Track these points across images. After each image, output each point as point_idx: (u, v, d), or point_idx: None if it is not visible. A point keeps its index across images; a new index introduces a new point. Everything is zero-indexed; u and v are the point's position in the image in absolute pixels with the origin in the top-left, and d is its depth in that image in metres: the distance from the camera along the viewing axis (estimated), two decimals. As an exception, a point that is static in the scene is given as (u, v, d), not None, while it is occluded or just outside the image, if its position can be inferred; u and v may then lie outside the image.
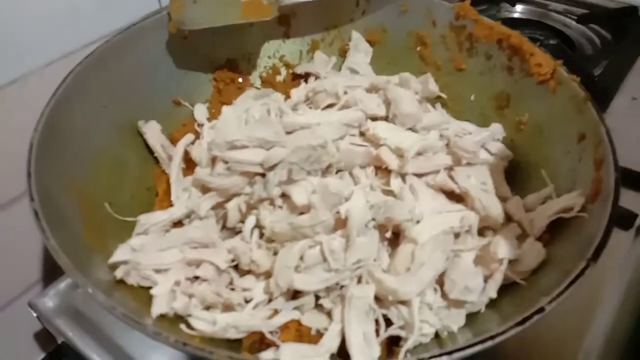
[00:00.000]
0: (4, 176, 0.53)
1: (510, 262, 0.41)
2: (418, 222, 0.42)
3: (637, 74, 0.78)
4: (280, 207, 0.44)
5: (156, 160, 0.53)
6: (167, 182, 0.51)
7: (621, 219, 0.57)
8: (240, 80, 0.61)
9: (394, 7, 0.59)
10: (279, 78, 0.62)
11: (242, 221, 0.45)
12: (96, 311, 0.51)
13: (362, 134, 0.50)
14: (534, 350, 0.46)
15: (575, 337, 0.48)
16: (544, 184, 0.46)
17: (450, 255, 0.41)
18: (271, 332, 0.39)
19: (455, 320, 0.39)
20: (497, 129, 0.52)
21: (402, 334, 0.38)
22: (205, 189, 0.48)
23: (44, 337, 0.65)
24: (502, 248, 0.40)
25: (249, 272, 0.43)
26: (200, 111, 0.57)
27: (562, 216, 0.42)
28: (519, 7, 0.94)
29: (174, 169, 0.51)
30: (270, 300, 0.41)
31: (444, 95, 0.56)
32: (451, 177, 0.46)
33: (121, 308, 0.33)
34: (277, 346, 0.38)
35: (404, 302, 0.39)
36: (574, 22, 0.89)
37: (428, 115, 0.51)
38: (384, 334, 0.38)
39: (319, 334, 0.39)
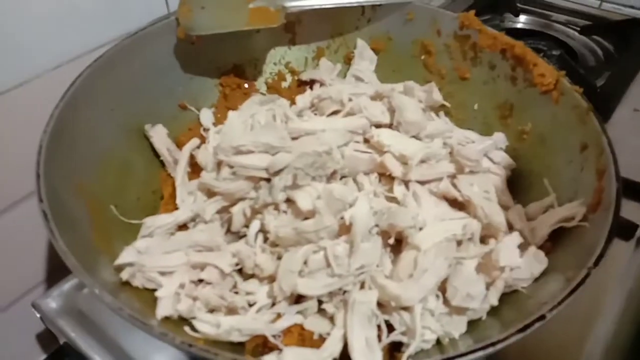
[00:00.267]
0: (10, 178, 0.53)
1: (512, 270, 0.41)
2: (421, 229, 0.43)
3: (639, 85, 0.79)
4: (285, 212, 0.45)
5: (162, 163, 0.54)
6: (173, 185, 0.52)
7: (622, 229, 0.57)
8: (246, 85, 0.61)
9: (399, 16, 0.60)
10: (285, 84, 0.63)
11: (247, 225, 0.46)
12: (99, 312, 0.52)
13: (366, 141, 0.50)
14: (535, 357, 0.46)
15: (576, 345, 0.48)
16: (545, 192, 0.47)
17: (452, 263, 0.41)
18: (274, 336, 0.39)
19: (457, 327, 0.39)
20: (500, 138, 0.52)
21: (404, 339, 0.39)
22: (210, 193, 0.49)
23: (46, 338, 0.65)
24: (504, 256, 0.40)
25: (252, 276, 0.44)
26: (206, 116, 0.57)
27: (563, 225, 0.42)
28: (522, 18, 0.95)
29: (180, 172, 0.52)
30: (273, 304, 0.42)
31: (447, 104, 0.57)
32: (454, 185, 0.47)
33: (128, 309, 0.34)
34: (280, 350, 0.38)
35: (406, 308, 0.39)
36: (576, 33, 0.89)
37: (432, 123, 0.52)
38: (386, 340, 0.39)
39: (322, 339, 0.40)
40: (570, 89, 0.49)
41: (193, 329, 0.39)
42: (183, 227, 0.48)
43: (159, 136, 0.53)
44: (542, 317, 0.33)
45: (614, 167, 0.42)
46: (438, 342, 0.39)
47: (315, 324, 0.41)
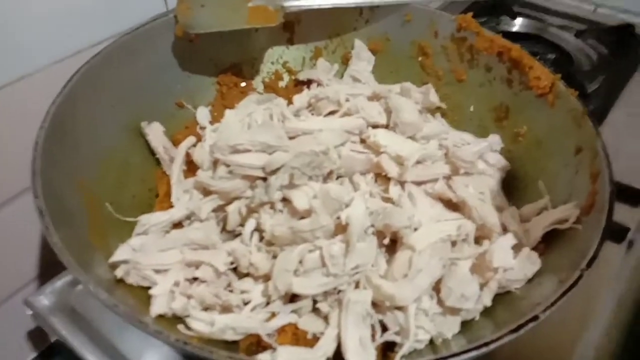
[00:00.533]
0: (5, 174, 0.53)
1: (506, 271, 0.41)
2: (416, 229, 0.43)
3: (633, 89, 0.80)
4: (281, 211, 0.45)
5: (158, 161, 0.54)
6: (168, 183, 0.52)
7: (614, 232, 0.58)
8: (243, 84, 0.61)
9: (397, 17, 0.60)
10: (282, 84, 0.63)
11: (242, 224, 0.46)
12: (92, 310, 0.51)
13: (362, 141, 0.51)
14: (527, 359, 0.46)
15: (568, 346, 0.49)
16: (540, 195, 0.47)
17: (447, 263, 0.42)
18: (268, 335, 0.39)
19: (451, 327, 0.39)
20: (495, 140, 0.53)
21: (398, 339, 0.39)
22: (206, 192, 0.49)
23: (37, 336, 0.65)
24: (498, 257, 0.40)
25: (247, 274, 0.44)
26: (203, 114, 0.57)
27: (557, 227, 0.42)
28: (518, 21, 0.96)
29: (175, 170, 0.52)
30: (268, 303, 0.42)
31: (443, 106, 0.57)
32: (449, 186, 0.47)
33: (123, 306, 0.33)
34: (274, 349, 0.38)
35: (400, 308, 0.39)
36: (572, 37, 0.90)
37: (428, 124, 0.52)
38: (379, 339, 0.39)
39: (316, 338, 0.40)
40: (566, 92, 0.49)
41: (187, 327, 0.39)
42: (178, 225, 0.48)
43: (155, 134, 0.53)
44: (535, 318, 0.33)
45: (608, 170, 0.42)
46: (431, 342, 0.40)
47: (309, 323, 0.41)
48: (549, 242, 0.43)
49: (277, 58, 0.63)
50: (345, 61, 0.63)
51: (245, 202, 0.46)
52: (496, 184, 0.49)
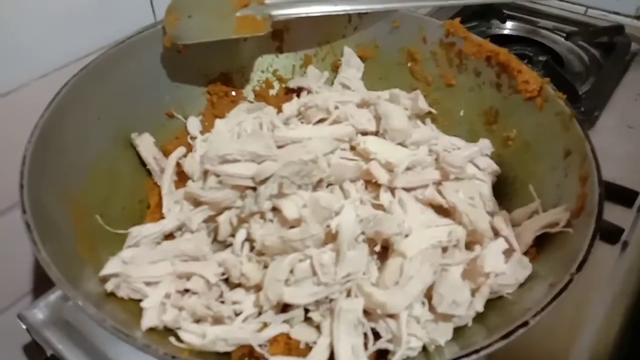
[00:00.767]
0: (-5, 186, 0.53)
1: (497, 276, 0.41)
2: (407, 236, 0.43)
3: (625, 90, 0.80)
4: (271, 220, 0.44)
5: (148, 172, 0.54)
6: (159, 194, 0.51)
7: (608, 233, 0.58)
8: (233, 93, 0.61)
9: (385, 24, 0.60)
10: (272, 92, 0.63)
11: (233, 235, 0.46)
12: (86, 323, 0.51)
13: (352, 149, 0.51)
14: (521, 363, 0.46)
15: (562, 350, 0.49)
16: (530, 198, 0.47)
17: (438, 269, 0.41)
18: (260, 345, 0.39)
19: (443, 333, 0.39)
20: (485, 145, 0.53)
21: (390, 347, 0.39)
22: (196, 202, 0.48)
23: (33, 350, 0.64)
24: (489, 262, 0.40)
25: (239, 285, 0.43)
26: (194, 124, 0.57)
27: (547, 231, 0.42)
28: (509, 24, 0.96)
29: (166, 181, 0.51)
30: (259, 314, 0.41)
31: (433, 111, 0.57)
32: (439, 192, 0.47)
33: (111, 321, 0.33)
34: (266, 359, 0.38)
35: (392, 316, 0.39)
36: (562, 39, 0.90)
37: (418, 130, 0.52)
38: (372, 347, 0.39)
39: (308, 347, 0.40)
40: (554, 95, 0.49)
41: (178, 339, 0.39)
42: (169, 236, 0.48)
43: (146, 145, 0.53)
44: (526, 324, 0.33)
45: (596, 173, 0.42)
46: (424, 349, 0.40)
47: (301, 333, 0.41)
48: (540, 246, 0.43)
49: (267, 66, 0.63)
50: (335, 68, 0.63)
51: (235, 212, 0.46)
52: (487, 188, 0.49)
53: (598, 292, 0.53)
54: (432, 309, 0.40)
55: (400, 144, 0.50)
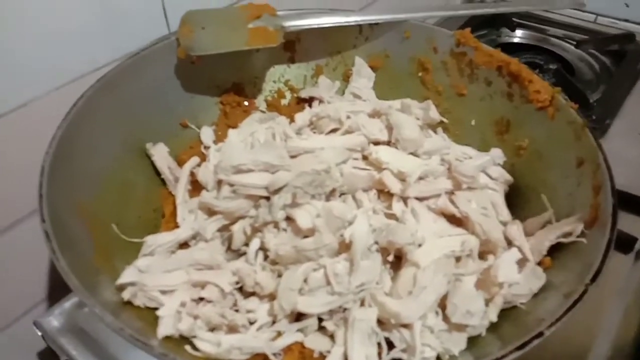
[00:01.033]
0: (12, 196, 0.54)
1: (511, 286, 0.41)
2: (420, 245, 0.43)
3: (636, 97, 0.80)
4: (285, 230, 0.45)
5: (163, 181, 0.54)
6: (174, 203, 0.52)
7: (621, 242, 0.57)
8: (246, 103, 0.62)
9: (396, 34, 0.61)
10: (284, 102, 0.64)
11: (247, 244, 0.46)
12: (100, 331, 0.52)
13: (364, 158, 0.51)
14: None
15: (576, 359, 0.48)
16: (543, 208, 0.47)
17: (451, 279, 0.42)
18: (274, 354, 0.40)
19: (457, 343, 0.39)
20: (497, 154, 0.53)
21: (404, 357, 0.39)
22: (210, 212, 0.49)
23: (48, 356, 0.65)
24: (503, 272, 0.40)
25: (253, 294, 0.44)
26: (207, 134, 0.58)
27: (561, 241, 0.42)
28: (518, 32, 0.96)
29: (180, 190, 0.52)
30: (274, 322, 0.42)
31: (445, 120, 0.58)
32: (452, 201, 0.47)
33: (129, 329, 0.34)
34: (281, 368, 0.39)
35: (406, 325, 0.39)
36: (572, 47, 0.90)
37: (429, 140, 0.52)
38: (386, 357, 0.39)
39: (322, 357, 0.40)
40: (566, 105, 0.49)
41: (194, 347, 0.39)
42: (184, 245, 0.49)
43: (160, 155, 0.54)
44: (540, 334, 0.33)
45: (610, 182, 0.42)
46: (438, 359, 0.40)
47: (315, 342, 0.41)
48: (553, 256, 0.43)
49: (278, 77, 0.64)
50: (346, 78, 0.63)
51: (249, 222, 0.46)
52: (499, 198, 0.49)
53: (611, 301, 0.53)
54: (445, 318, 0.40)
55: (412, 153, 0.51)
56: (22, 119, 0.52)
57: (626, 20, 0.97)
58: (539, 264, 0.43)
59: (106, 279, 0.42)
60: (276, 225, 0.45)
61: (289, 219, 0.45)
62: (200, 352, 0.38)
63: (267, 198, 0.46)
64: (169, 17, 0.61)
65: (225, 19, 0.57)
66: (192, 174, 0.54)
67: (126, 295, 0.41)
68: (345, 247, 0.42)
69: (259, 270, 0.44)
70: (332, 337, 0.41)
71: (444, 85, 0.60)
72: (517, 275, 0.41)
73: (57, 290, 0.62)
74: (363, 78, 0.62)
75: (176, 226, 0.50)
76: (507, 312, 0.41)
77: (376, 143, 0.52)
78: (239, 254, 0.47)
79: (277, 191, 0.44)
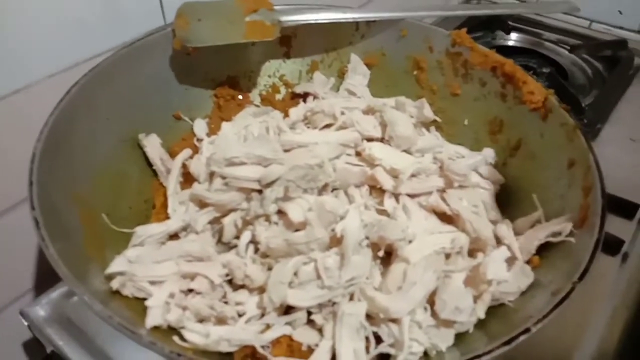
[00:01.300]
0: (2, 185, 0.53)
1: (499, 283, 0.41)
2: (410, 242, 0.43)
3: (627, 103, 0.81)
4: (276, 223, 0.45)
5: (155, 173, 0.54)
6: (165, 195, 0.52)
7: (608, 245, 0.58)
8: (240, 97, 0.62)
9: (392, 32, 0.61)
10: (278, 97, 0.63)
11: (238, 237, 0.46)
12: (87, 321, 0.51)
13: (358, 154, 0.51)
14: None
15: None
16: (534, 208, 0.47)
17: (441, 276, 0.42)
18: (263, 347, 0.39)
19: (444, 339, 0.40)
20: (489, 154, 0.53)
21: (392, 351, 0.39)
22: (202, 204, 0.49)
23: (33, 347, 0.64)
24: (491, 270, 0.41)
25: (242, 286, 0.44)
26: (200, 126, 0.58)
27: (550, 240, 0.43)
28: (513, 35, 0.97)
29: (172, 182, 0.52)
30: (263, 315, 0.42)
31: (438, 119, 0.58)
32: (443, 199, 0.48)
33: (117, 317, 0.34)
34: (268, 360, 0.38)
35: (394, 320, 0.40)
36: (566, 52, 0.91)
37: (423, 138, 0.52)
38: (373, 351, 0.39)
39: (310, 350, 0.40)
40: (558, 106, 0.50)
41: (182, 338, 0.39)
42: (174, 236, 0.48)
43: (153, 146, 0.54)
44: (527, 330, 0.33)
45: (599, 184, 0.42)
46: (426, 354, 0.40)
47: (304, 335, 0.41)
48: (542, 255, 0.43)
49: (274, 71, 0.64)
50: (341, 75, 0.64)
51: (240, 215, 0.46)
52: (490, 197, 0.49)
53: (599, 302, 0.54)
54: (434, 314, 0.41)
55: (405, 151, 0.51)
56: (15, 105, 0.51)
57: (620, 27, 0.98)
58: (528, 262, 0.43)
59: (95, 268, 0.42)
60: (268, 218, 0.45)
61: (280, 212, 0.45)
62: (189, 342, 0.38)
63: (259, 191, 0.46)
64: (165, 8, 0.60)
65: (222, 12, 0.56)
66: (184, 166, 0.54)
67: (115, 284, 0.41)
68: (336, 241, 0.43)
69: (249, 263, 0.44)
70: (320, 330, 0.41)
71: (438, 84, 0.60)
72: (505, 273, 0.41)
73: (44, 279, 0.62)
74: (358, 75, 0.62)
75: (167, 217, 0.50)
76: (495, 310, 0.41)
77: (370, 140, 0.52)
78: (230, 246, 0.47)
79: (269, 184, 0.44)
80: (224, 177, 0.46)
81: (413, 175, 0.48)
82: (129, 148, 0.53)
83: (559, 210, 0.45)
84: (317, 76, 0.63)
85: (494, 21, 0.96)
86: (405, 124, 0.51)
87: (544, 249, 0.43)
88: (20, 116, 0.52)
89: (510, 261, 0.43)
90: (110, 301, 0.40)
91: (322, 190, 0.47)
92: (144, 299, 0.41)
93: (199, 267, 0.44)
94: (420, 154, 0.51)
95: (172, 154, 0.55)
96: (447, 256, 0.44)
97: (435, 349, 0.39)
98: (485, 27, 0.96)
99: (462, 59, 0.58)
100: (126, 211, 0.50)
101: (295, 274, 0.42)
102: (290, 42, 0.62)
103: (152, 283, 0.42)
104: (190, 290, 0.43)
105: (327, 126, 0.54)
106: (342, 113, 0.54)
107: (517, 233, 0.46)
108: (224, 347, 0.39)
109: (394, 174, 0.48)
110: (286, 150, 0.49)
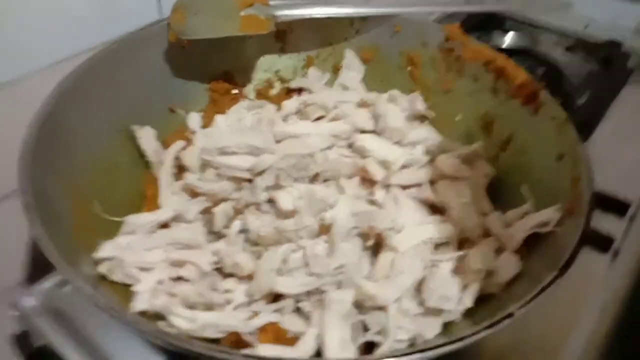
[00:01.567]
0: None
1: (488, 273, 0.42)
2: (399, 231, 0.43)
3: (621, 103, 0.81)
4: (267, 212, 0.45)
5: (147, 164, 0.54)
6: (157, 186, 0.52)
7: (599, 242, 0.58)
8: (235, 91, 0.62)
9: (387, 28, 0.61)
10: (273, 92, 0.64)
11: (228, 226, 0.46)
12: (79, 312, 0.51)
13: (350, 146, 0.51)
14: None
15: (551, 355, 0.49)
16: (524, 200, 0.48)
17: (428, 265, 0.42)
18: (250, 333, 0.39)
19: (431, 328, 0.40)
20: (480, 147, 0.53)
21: (378, 339, 0.39)
22: (194, 194, 0.49)
23: (20, 340, 0.64)
24: (479, 259, 0.41)
25: (231, 275, 0.44)
26: (194, 119, 0.58)
27: (538, 231, 0.43)
28: (509, 36, 0.97)
29: (164, 172, 0.52)
30: (250, 303, 0.42)
31: (431, 113, 0.58)
32: (434, 191, 0.48)
33: (104, 298, 0.34)
34: (255, 347, 0.38)
35: (381, 308, 0.40)
36: (562, 53, 0.92)
37: (414, 131, 0.53)
38: (360, 339, 0.39)
39: (297, 338, 0.40)
40: (549, 100, 0.50)
41: (169, 324, 0.39)
42: (165, 226, 0.49)
43: (146, 137, 0.54)
44: (510, 315, 0.33)
45: (588, 175, 0.42)
46: (412, 345, 0.40)
47: (291, 323, 0.41)
48: (530, 246, 0.43)
49: (269, 66, 0.64)
50: (336, 70, 0.64)
51: (232, 204, 0.46)
52: (480, 189, 0.50)
53: (588, 299, 0.53)
54: (422, 303, 0.41)
55: (396, 143, 0.51)
56: (10, 95, 0.51)
57: (615, 29, 0.98)
58: (517, 253, 0.43)
59: (85, 256, 0.42)
60: (258, 207, 0.45)
61: (271, 201, 0.45)
62: (175, 327, 0.38)
63: (251, 181, 0.46)
64: (162, 2, 0.61)
65: (217, 7, 0.57)
66: (176, 159, 0.54)
67: (103, 269, 0.41)
68: (325, 229, 0.43)
69: (239, 251, 0.44)
70: (308, 318, 0.41)
71: (432, 79, 0.60)
72: (493, 263, 0.41)
73: (34, 271, 0.62)
74: (353, 71, 0.62)
75: (158, 208, 0.50)
76: (483, 299, 0.41)
77: (362, 132, 0.52)
78: (220, 236, 0.47)
79: (260, 173, 0.45)
80: (216, 167, 0.47)
81: (404, 167, 0.48)
82: (123, 139, 0.53)
83: (549, 202, 0.45)
84: (312, 71, 0.64)
85: (490, 21, 0.97)
86: (396, 117, 0.51)
87: (532, 240, 0.43)
88: (14, 107, 0.52)
89: (499, 251, 0.43)
90: (98, 286, 0.40)
91: (313, 180, 0.48)
92: (132, 286, 0.41)
93: (188, 255, 0.44)
94: (412, 146, 0.51)
95: (166, 146, 0.55)
96: (436, 246, 0.44)
97: (422, 337, 0.39)
98: (482, 27, 0.96)
99: (455, 54, 0.58)
100: (118, 201, 0.50)
101: (284, 261, 0.42)
102: (285, 37, 0.63)
103: (141, 269, 0.43)
104: (179, 278, 0.43)
105: (320, 118, 0.55)
106: (335, 106, 0.54)
107: (507, 225, 0.46)
108: (211, 333, 0.39)
109: (385, 166, 0.48)
110: (278, 141, 0.49)
